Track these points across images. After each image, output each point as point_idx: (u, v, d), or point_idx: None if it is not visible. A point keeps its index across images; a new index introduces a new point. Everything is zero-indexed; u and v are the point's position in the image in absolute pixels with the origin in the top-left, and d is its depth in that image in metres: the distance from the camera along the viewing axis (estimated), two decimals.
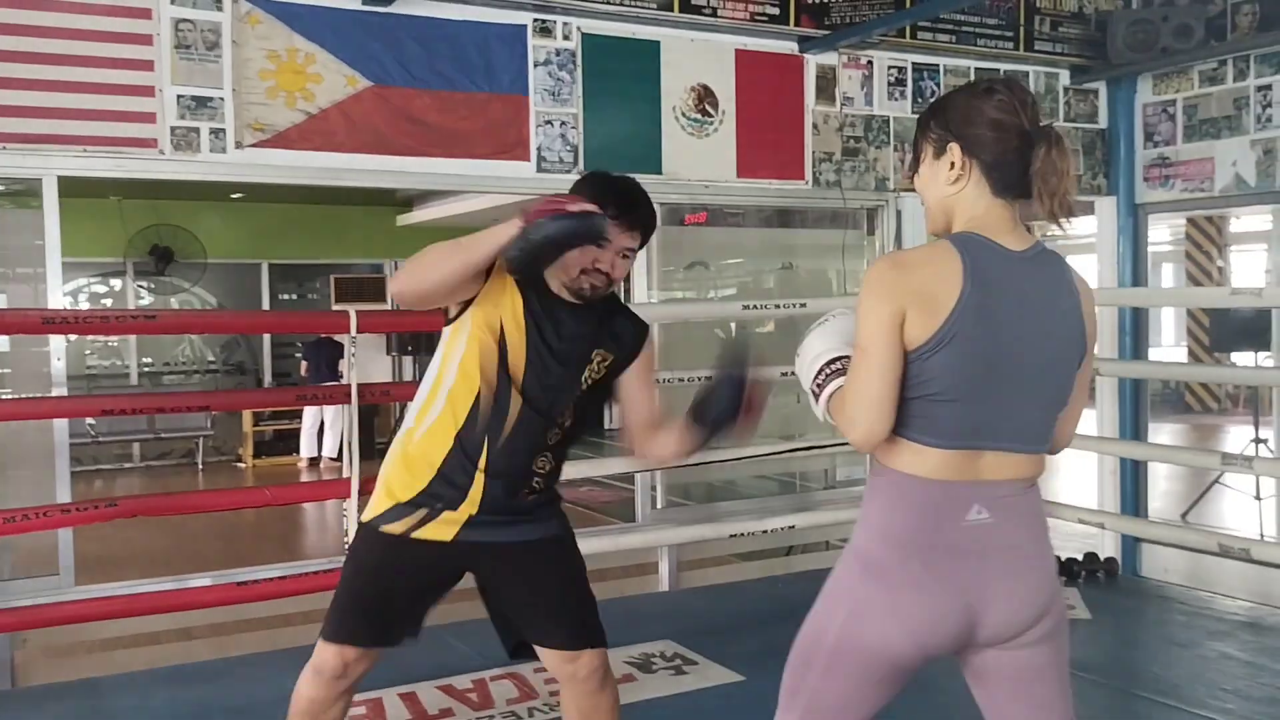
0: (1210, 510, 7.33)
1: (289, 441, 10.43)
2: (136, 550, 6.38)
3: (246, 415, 10.25)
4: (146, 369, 10.98)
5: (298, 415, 10.22)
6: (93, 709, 3.36)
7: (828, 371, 1.83)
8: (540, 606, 2.41)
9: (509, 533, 2.37)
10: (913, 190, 5.39)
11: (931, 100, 1.86)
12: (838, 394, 1.80)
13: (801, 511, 5.00)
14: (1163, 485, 8.17)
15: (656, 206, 5.21)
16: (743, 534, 4.61)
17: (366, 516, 2.43)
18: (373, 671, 3.54)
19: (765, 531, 4.64)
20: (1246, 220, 13.19)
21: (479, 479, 2.32)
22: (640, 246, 2.43)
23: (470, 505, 2.33)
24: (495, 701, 3.31)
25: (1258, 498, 7.03)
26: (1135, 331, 5.84)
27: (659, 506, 5.05)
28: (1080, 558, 4.65)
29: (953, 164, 1.76)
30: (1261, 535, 6.51)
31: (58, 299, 3.90)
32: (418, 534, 2.35)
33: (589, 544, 4.88)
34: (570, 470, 6.53)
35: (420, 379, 2.53)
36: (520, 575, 2.41)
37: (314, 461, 10.32)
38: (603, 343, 2.42)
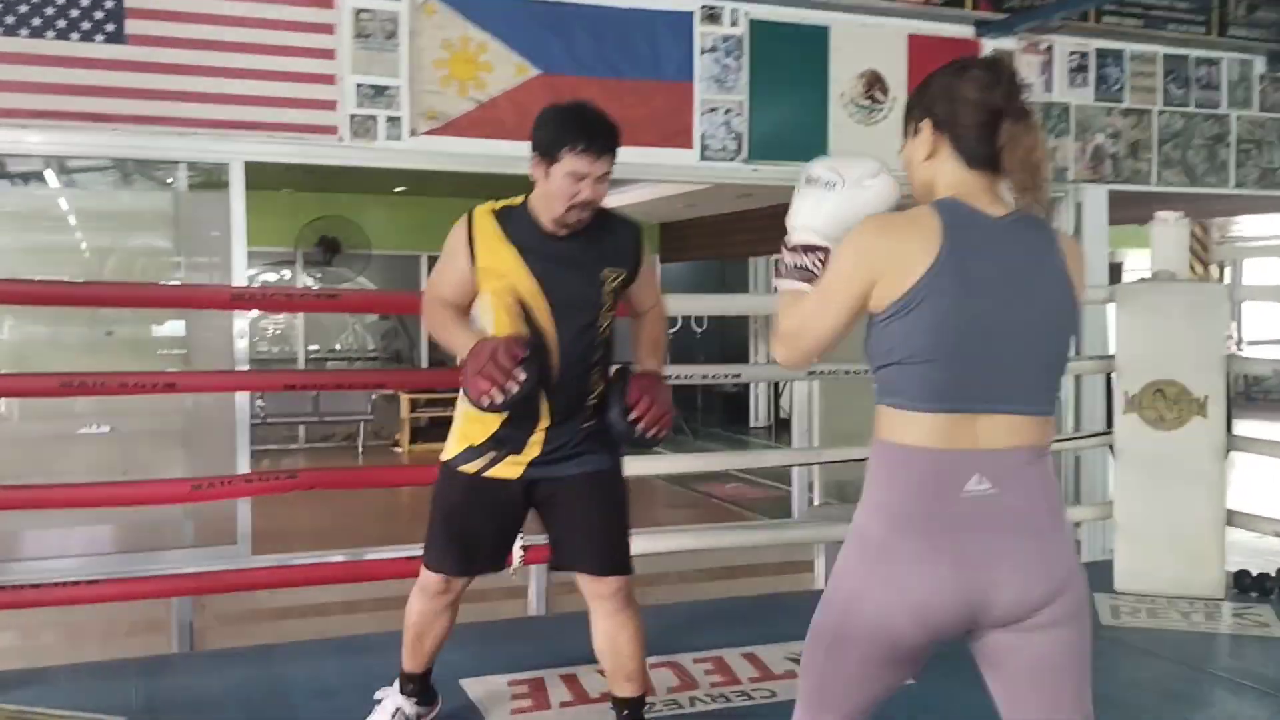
0: None
1: (444, 428, 10.63)
2: (301, 526, 6.58)
3: (404, 402, 10.54)
4: (312, 355, 11.42)
5: (452, 404, 10.43)
6: (267, 674, 3.47)
7: (802, 262, 1.83)
8: (578, 534, 2.67)
9: (565, 468, 2.64)
10: (1095, 180, 5.20)
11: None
12: (792, 296, 1.82)
13: None
14: None
15: None
16: None
17: (445, 457, 2.75)
18: (535, 653, 3.59)
19: None
20: None
21: (543, 422, 2.59)
22: (612, 164, 2.55)
23: (533, 449, 2.61)
24: (655, 689, 3.27)
25: None
26: None
27: (815, 504, 4.95)
28: (1273, 573, 4.34)
29: (925, 139, 1.81)
30: None
31: (242, 280, 4.05)
32: (489, 473, 2.65)
33: (747, 537, 4.85)
34: (721, 463, 6.34)
35: None
36: (567, 505, 2.67)
37: None
38: (609, 260, 2.63)
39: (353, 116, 4.11)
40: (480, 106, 4.26)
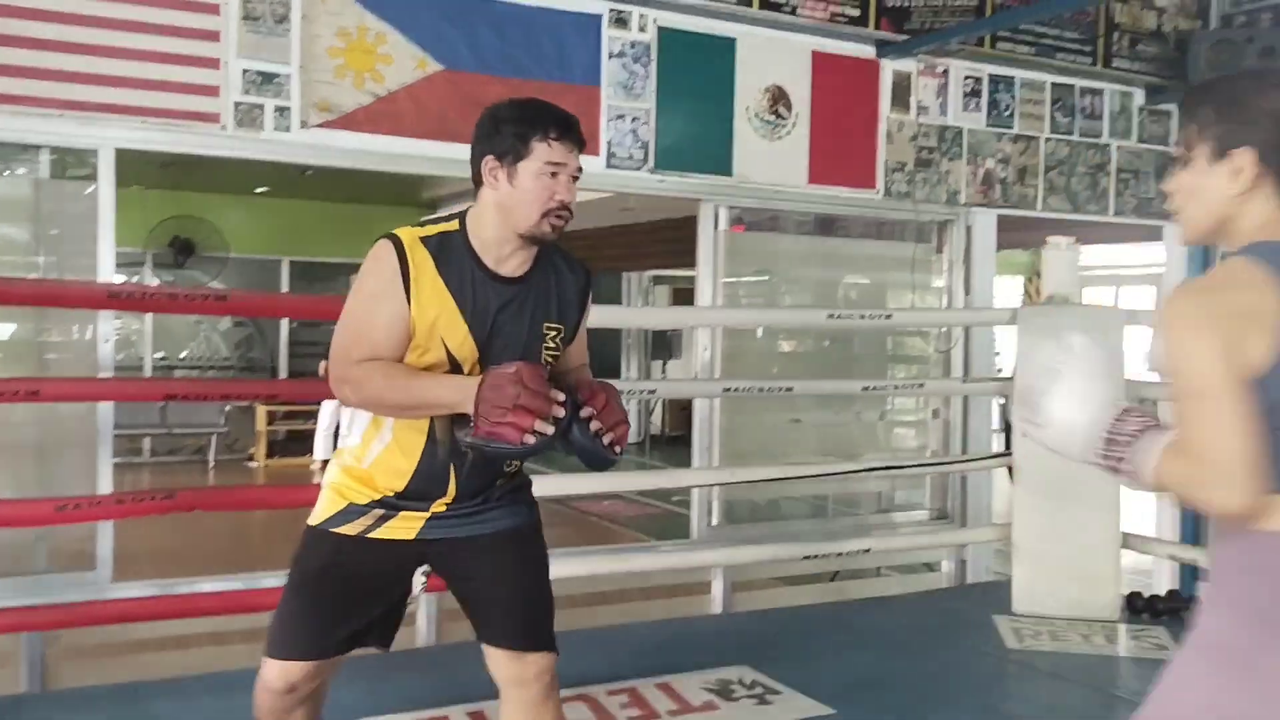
0: None
1: (303, 443, 10.18)
2: (152, 546, 6.12)
3: (260, 414, 10.02)
4: (160, 363, 10.74)
5: (313, 416, 9.97)
6: (136, 715, 3.13)
7: (1125, 429, 1.47)
8: (494, 604, 2.21)
9: (472, 526, 2.19)
10: (984, 205, 5.25)
11: (1197, 86, 1.56)
12: (1166, 453, 1.43)
13: (862, 536, 4.79)
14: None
15: (726, 211, 4.96)
16: (815, 556, 4.38)
17: (315, 520, 2.22)
18: (434, 688, 3.33)
19: (840, 554, 4.43)
20: None
21: (451, 488, 2.16)
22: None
23: (439, 505, 2.17)
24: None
25: None
26: None
27: (714, 524, 4.83)
28: (1163, 594, 4.44)
29: (1240, 170, 1.50)
30: None
31: (110, 275, 3.68)
32: (375, 534, 2.17)
33: (647, 560, 4.67)
34: (596, 484, 6.00)
35: None
36: (476, 570, 2.22)
37: (327, 464, 10.07)
38: (552, 314, 2.19)
39: (237, 104, 3.80)
40: (378, 100, 4.00)
